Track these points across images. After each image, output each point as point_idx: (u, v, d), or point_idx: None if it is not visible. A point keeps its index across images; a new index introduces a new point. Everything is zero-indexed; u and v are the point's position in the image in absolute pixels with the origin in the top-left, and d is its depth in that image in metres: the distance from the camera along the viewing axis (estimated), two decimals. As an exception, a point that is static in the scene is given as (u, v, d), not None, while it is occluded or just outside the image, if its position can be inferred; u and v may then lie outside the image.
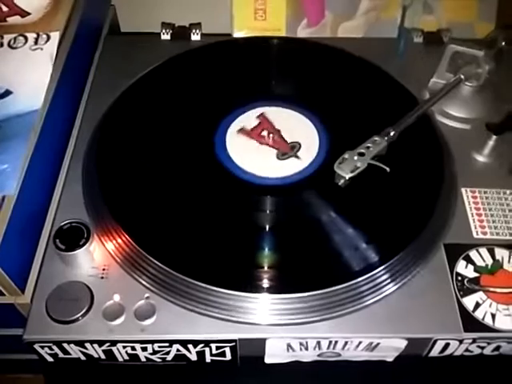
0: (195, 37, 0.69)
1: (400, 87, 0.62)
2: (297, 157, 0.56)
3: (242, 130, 0.58)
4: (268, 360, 0.48)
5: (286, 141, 0.57)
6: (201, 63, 0.65)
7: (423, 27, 0.70)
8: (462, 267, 0.48)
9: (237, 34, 0.71)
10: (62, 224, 0.48)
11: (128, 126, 0.58)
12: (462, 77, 0.59)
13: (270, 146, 0.57)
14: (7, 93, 0.53)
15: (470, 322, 0.45)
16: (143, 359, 0.47)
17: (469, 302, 0.46)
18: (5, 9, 0.58)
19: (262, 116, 0.59)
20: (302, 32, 0.71)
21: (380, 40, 0.70)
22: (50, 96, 0.54)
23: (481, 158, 0.57)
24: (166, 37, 0.69)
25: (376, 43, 0.69)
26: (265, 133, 0.58)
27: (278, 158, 0.56)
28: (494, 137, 0.56)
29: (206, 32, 0.70)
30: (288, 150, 0.57)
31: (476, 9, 0.71)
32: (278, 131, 0.58)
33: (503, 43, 0.61)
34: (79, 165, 0.55)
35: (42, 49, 0.57)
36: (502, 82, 0.62)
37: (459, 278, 0.48)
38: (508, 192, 0.54)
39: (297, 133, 0.58)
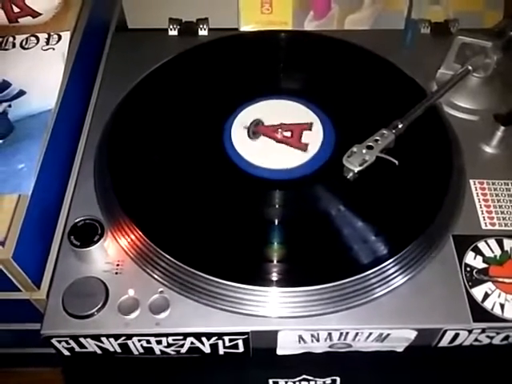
0: (203, 32, 0.70)
1: (408, 79, 0.62)
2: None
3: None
4: (280, 351, 0.49)
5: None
6: (209, 58, 0.66)
7: (430, 18, 0.70)
8: (470, 258, 0.49)
9: (244, 28, 0.71)
10: (77, 221, 0.49)
11: (138, 122, 0.59)
12: (470, 68, 0.59)
13: (279, 140, 0.58)
14: (21, 93, 0.54)
15: (479, 313, 0.46)
16: (158, 352, 0.48)
17: (478, 292, 0.47)
18: (16, 10, 0.59)
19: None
20: (309, 25, 0.71)
21: (387, 32, 0.70)
22: (60, 95, 0.55)
23: (489, 150, 0.57)
24: (173, 32, 0.70)
25: (383, 35, 0.69)
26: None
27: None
28: (502, 128, 0.56)
29: (213, 27, 0.70)
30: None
31: (483, -2, 0.71)
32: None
33: (511, 33, 0.61)
34: (91, 162, 0.56)
35: (53, 49, 0.57)
36: (510, 72, 0.62)
37: (468, 268, 0.48)
38: (516, 183, 0.54)
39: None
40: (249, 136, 0.58)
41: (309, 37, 0.69)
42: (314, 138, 0.57)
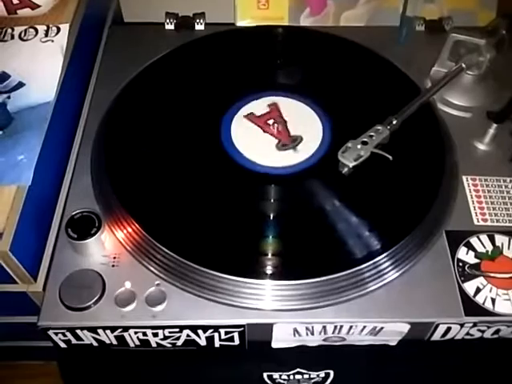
0: (199, 26, 0.70)
1: (402, 75, 0.63)
2: (295, 150, 0.57)
3: (249, 116, 0.59)
4: (275, 344, 0.49)
5: (288, 132, 0.58)
6: (205, 52, 0.66)
7: (425, 15, 0.71)
8: (463, 253, 0.50)
9: (240, 23, 0.72)
10: (74, 213, 0.49)
11: (135, 115, 0.59)
12: (464, 65, 0.60)
13: (272, 135, 0.58)
14: (20, 85, 0.54)
15: (471, 307, 0.47)
16: (154, 345, 0.49)
17: (470, 287, 0.48)
18: (15, 1, 0.59)
19: (273, 105, 0.60)
20: (305, 21, 0.72)
21: (382, 28, 0.70)
22: (58, 87, 0.55)
23: (481, 146, 0.58)
24: (169, 27, 0.70)
25: (378, 31, 0.70)
26: (271, 121, 0.59)
27: (277, 148, 0.57)
28: (495, 125, 0.57)
29: (210, 21, 0.70)
30: (289, 142, 0.57)
31: (478, -4, 0.71)
32: (284, 120, 0.59)
33: (504, 32, 0.62)
34: (88, 155, 0.56)
35: (52, 41, 0.58)
36: (504, 70, 0.62)
37: (460, 263, 0.49)
38: (508, 180, 0.55)
39: (299, 121, 0.59)
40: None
41: (305, 32, 0.69)
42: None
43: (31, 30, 0.58)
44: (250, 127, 0.58)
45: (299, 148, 0.57)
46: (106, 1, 0.75)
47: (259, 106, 0.60)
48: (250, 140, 0.57)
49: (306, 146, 0.57)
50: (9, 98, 0.52)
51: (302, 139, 0.57)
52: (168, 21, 0.70)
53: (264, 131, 0.58)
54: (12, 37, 0.58)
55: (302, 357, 0.51)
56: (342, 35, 0.67)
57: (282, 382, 0.52)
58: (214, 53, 0.66)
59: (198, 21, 0.70)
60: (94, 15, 0.68)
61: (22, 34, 0.58)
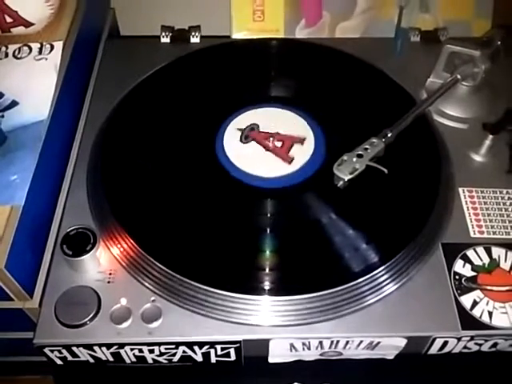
0: (195, 39, 0.70)
1: (398, 87, 0.63)
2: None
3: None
4: (272, 360, 0.49)
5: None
6: (201, 65, 0.66)
7: (420, 26, 0.71)
8: (459, 266, 0.50)
9: (236, 36, 0.72)
10: (69, 230, 0.49)
11: (131, 130, 0.59)
12: (459, 77, 0.60)
13: (272, 149, 0.58)
14: (14, 103, 0.54)
15: (468, 320, 0.46)
16: (150, 361, 0.49)
17: (466, 300, 0.48)
18: (9, 20, 0.59)
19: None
20: (301, 32, 0.72)
21: (377, 40, 0.70)
22: (53, 104, 0.55)
23: (478, 158, 0.58)
24: (165, 40, 0.70)
25: (373, 43, 0.70)
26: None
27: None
28: (491, 136, 0.57)
29: (205, 34, 0.71)
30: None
31: (472, 7, 0.71)
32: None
33: (499, 42, 0.62)
34: (83, 171, 0.56)
35: (46, 59, 0.58)
36: (499, 81, 0.63)
37: (457, 276, 0.49)
38: (504, 191, 0.55)
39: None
40: (241, 140, 0.58)
41: (300, 45, 0.69)
42: (306, 147, 0.58)
43: (25, 47, 0.59)
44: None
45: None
46: (102, 15, 0.75)
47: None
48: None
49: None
50: (2, 116, 0.52)
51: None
52: (164, 34, 0.70)
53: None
54: (6, 55, 0.58)
55: (298, 371, 0.51)
56: (338, 47, 0.68)
57: (279, 396, 0.52)
58: (210, 66, 0.66)
59: (193, 34, 0.70)
60: (90, 29, 0.69)
61: (16, 52, 0.58)
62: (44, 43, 0.59)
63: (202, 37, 0.70)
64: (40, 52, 0.58)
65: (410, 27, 0.70)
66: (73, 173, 0.57)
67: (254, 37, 0.71)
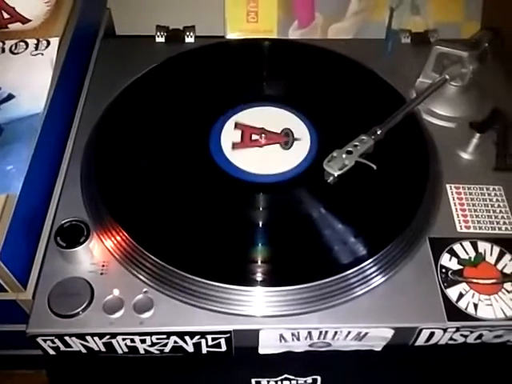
0: (189, 39, 0.71)
1: (388, 87, 0.64)
2: (297, 140, 0.59)
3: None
4: (262, 350, 0.50)
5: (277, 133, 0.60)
6: (195, 65, 0.67)
7: (411, 28, 0.72)
8: (446, 260, 0.51)
9: (230, 36, 0.73)
10: (63, 222, 0.50)
11: (124, 126, 0.60)
12: (447, 77, 0.61)
13: (265, 144, 0.59)
14: (10, 97, 0.55)
15: (454, 312, 0.47)
16: (142, 351, 0.49)
17: (452, 292, 0.49)
18: (6, 16, 0.60)
19: (240, 125, 0.61)
20: (293, 33, 0.73)
21: (369, 41, 0.72)
22: (48, 99, 0.56)
23: (465, 156, 0.59)
24: (160, 39, 0.71)
25: (365, 44, 0.71)
26: (256, 137, 0.60)
27: (283, 149, 0.59)
28: (478, 135, 0.58)
29: (200, 34, 0.72)
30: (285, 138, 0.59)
31: (462, 9, 0.73)
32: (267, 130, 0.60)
33: (487, 44, 0.63)
34: (78, 164, 0.57)
35: (42, 54, 0.59)
36: (486, 81, 0.64)
37: (443, 270, 0.50)
38: (491, 188, 0.56)
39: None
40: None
41: (292, 45, 0.71)
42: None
43: (22, 43, 0.59)
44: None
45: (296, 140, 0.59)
46: (98, 14, 0.76)
47: (249, 116, 0.61)
48: (240, 151, 0.58)
49: (293, 155, 0.58)
50: (-1, 109, 0.54)
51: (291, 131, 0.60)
52: (159, 34, 0.71)
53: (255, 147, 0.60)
54: (3, 50, 0.59)
55: (289, 363, 0.52)
56: (330, 47, 0.69)
57: (269, 388, 0.52)
58: (204, 65, 0.67)
59: (188, 34, 0.71)
60: (86, 28, 0.70)
61: (13, 48, 0.59)
62: (40, 39, 0.60)
63: (196, 37, 0.71)
64: (36, 48, 0.59)
65: (400, 29, 0.72)
66: (67, 167, 0.58)
67: (248, 37, 0.72)
